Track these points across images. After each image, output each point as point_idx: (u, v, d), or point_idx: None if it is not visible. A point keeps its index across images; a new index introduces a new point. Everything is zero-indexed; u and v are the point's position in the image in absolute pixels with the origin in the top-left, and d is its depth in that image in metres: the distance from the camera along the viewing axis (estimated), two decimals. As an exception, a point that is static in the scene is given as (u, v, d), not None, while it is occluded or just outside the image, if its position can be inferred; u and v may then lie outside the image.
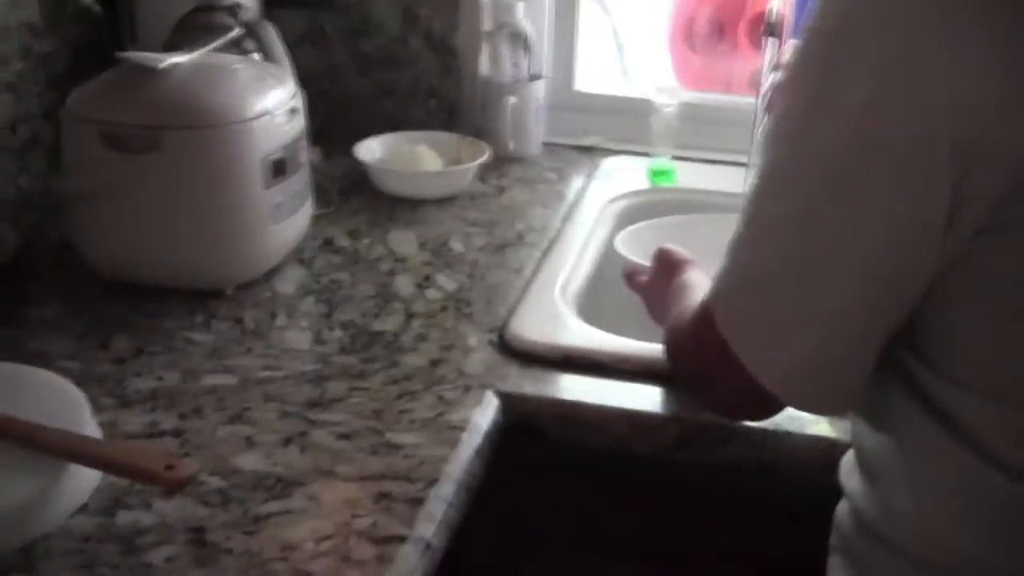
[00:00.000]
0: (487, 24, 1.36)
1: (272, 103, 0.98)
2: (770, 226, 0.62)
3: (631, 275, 1.01)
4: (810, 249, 0.60)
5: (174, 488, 0.68)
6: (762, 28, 1.19)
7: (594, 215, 1.24)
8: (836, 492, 0.71)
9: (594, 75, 1.50)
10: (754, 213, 0.63)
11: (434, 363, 0.91)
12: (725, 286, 0.65)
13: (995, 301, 0.58)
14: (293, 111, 1.01)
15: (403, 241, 1.15)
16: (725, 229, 1.12)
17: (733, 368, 0.63)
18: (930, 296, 0.60)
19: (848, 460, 0.70)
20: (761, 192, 0.62)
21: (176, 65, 0.97)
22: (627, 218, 1.25)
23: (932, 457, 0.61)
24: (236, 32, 1.09)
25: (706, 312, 0.66)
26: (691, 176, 1.35)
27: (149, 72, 0.95)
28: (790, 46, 1.19)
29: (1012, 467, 0.58)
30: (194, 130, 0.93)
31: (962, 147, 0.54)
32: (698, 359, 0.69)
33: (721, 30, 1.58)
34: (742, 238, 0.64)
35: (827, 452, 0.79)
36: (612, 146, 1.44)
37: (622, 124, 1.44)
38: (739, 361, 0.63)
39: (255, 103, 0.96)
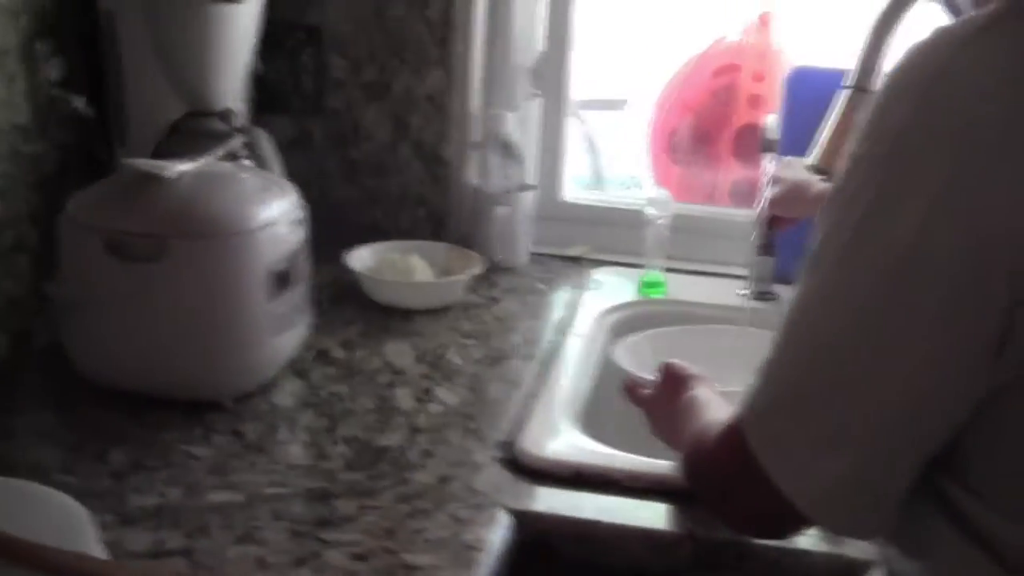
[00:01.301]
0: (476, 134, 1.39)
1: (276, 212, 1.00)
2: (810, 347, 0.62)
3: (632, 388, 1.00)
4: (852, 370, 0.60)
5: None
6: (759, 144, 1.26)
7: (588, 326, 1.26)
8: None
9: (571, 182, 1.54)
10: (792, 334, 0.63)
11: (443, 480, 0.91)
12: (759, 406, 0.65)
13: None
14: (296, 221, 1.03)
15: (399, 353, 1.16)
16: (722, 341, 1.20)
17: (764, 489, 0.64)
18: (974, 421, 0.60)
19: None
20: (801, 313, 0.63)
21: (183, 174, 0.98)
22: (622, 330, 1.27)
23: None
24: (238, 140, 1.11)
25: (735, 432, 0.66)
26: (682, 287, 1.37)
27: (155, 179, 0.97)
28: (782, 160, 1.27)
29: None
30: (200, 240, 0.94)
31: (1018, 279, 0.55)
32: (725, 479, 0.69)
33: (704, 141, 1.64)
34: (779, 358, 0.64)
35: (845, 571, 0.81)
36: (598, 256, 1.46)
37: (608, 234, 1.47)
38: (772, 482, 0.63)
39: (260, 213, 0.98)
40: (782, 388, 0.64)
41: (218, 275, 0.95)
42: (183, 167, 0.99)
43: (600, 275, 1.43)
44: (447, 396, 1.07)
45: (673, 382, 0.92)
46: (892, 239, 0.58)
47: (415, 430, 0.99)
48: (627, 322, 1.30)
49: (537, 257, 1.45)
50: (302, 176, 1.16)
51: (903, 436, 0.61)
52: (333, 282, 1.29)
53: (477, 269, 1.29)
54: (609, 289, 1.38)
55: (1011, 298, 0.56)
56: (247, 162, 1.15)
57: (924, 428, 0.61)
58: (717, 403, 0.83)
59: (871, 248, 0.59)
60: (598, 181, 1.82)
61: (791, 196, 1.22)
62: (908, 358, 0.59)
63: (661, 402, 0.92)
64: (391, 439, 0.98)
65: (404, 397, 1.06)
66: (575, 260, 1.46)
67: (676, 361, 0.95)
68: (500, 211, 1.39)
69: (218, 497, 0.86)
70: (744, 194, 1.53)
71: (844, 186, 0.62)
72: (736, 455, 0.66)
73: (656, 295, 1.37)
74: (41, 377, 1.03)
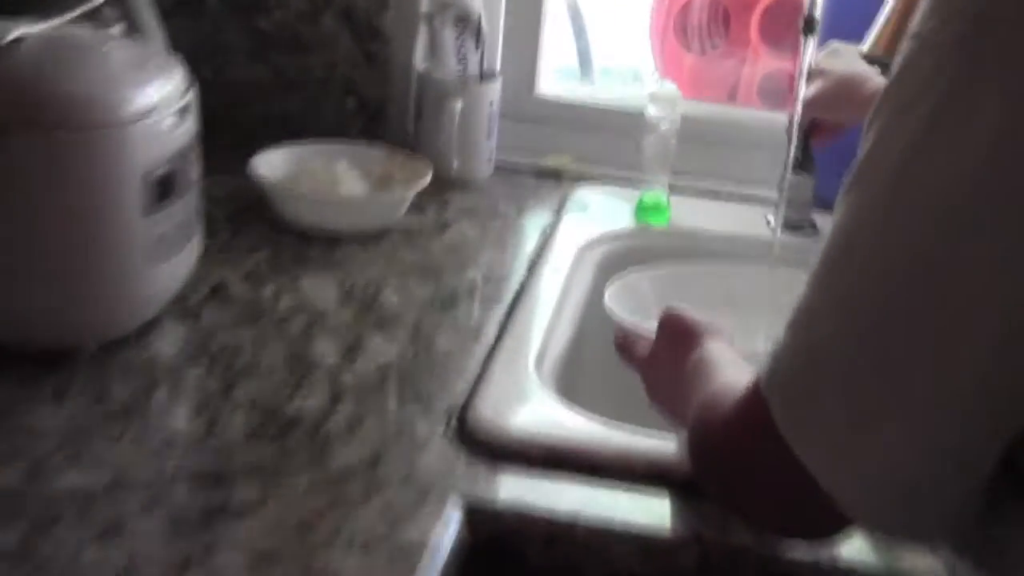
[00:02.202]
0: (425, 2, 1.40)
1: (156, 98, 0.97)
2: (855, 291, 0.63)
3: (626, 344, 1.02)
4: (913, 321, 0.61)
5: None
6: (800, 22, 1.23)
7: (569, 262, 1.27)
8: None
9: (550, 73, 1.54)
10: (831, 275, 0.64)
11: (374, 459, 0.91)
12: (786, 367, 0.66)
13: None
14: (184, 111, 1.01)
15: (320, 290, 1.16)
16: (743, 284, 1.21)
17: (793, 475, 0.64)
18: None
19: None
20: (844, 247, 0.64)
21: (21, 41, 0.95)
22: (611, 267, 1.28)
23: None
24: (101, -5, 1.07)
25: (756, 401, 0.67)
26: (691, 213, 1.39)
27: (-16, 49, 0.94)
28: (827, 47, 1.27)
29: None
30: (49, 133, 0.91)
31: None
32: (741, 463, 0.70)
33: (725, 22, 1.65)
34: (813, 307, 0.65)
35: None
36: (584, 169, 1.48)
37: (597, 141, 1.49)
38: (803, 467, 0.64)
39: (133, 98, 0.95)
40: (816, 345, 0.65)
41: (74, 181, 0.92)
42: (21, 30, 0.95)
43: (586, 194, 1.45)
44: (382, 348, 1.06)
45: (678, 336, 0.93)
46: (971, 145, 0.58)
47: (339, 393, 0.99)
48: (620, 257, 1.31)
49: (504, 169, 1.46)
50: (191, 50, 1.13)
51: (980, 408, 0.61)
52: (232, 195, 1.29)
53: (424, 182, 1.29)
54: (597, 213, 1.39)
55: None
56: (116, 28, 1.11)
57: (1004, 397, 0.61)
58: (735, 364, 0.84)
59: (941, 158, 0.59)
60: (586, 71, 1.83)
61: (838, 94, 1.23)
62: (991, 304, 0.59)
63: (662, 361, 0.94)
64: (307, 404, 0.97)
65: (326, 349, 1.06)
66: (553, 174, 1.48)
67: (682, 308, 0.95)
68: (455, 106, 1.37)
69: (71, 480, 0.84)
70: (776, 92, 1.57)
71: (904, 76, 0.62)
72: (756, 431, 0.67)
73: (658, 222, 1.38)
74: None
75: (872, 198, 0.63)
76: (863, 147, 0.63)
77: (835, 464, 0.63)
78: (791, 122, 1.25)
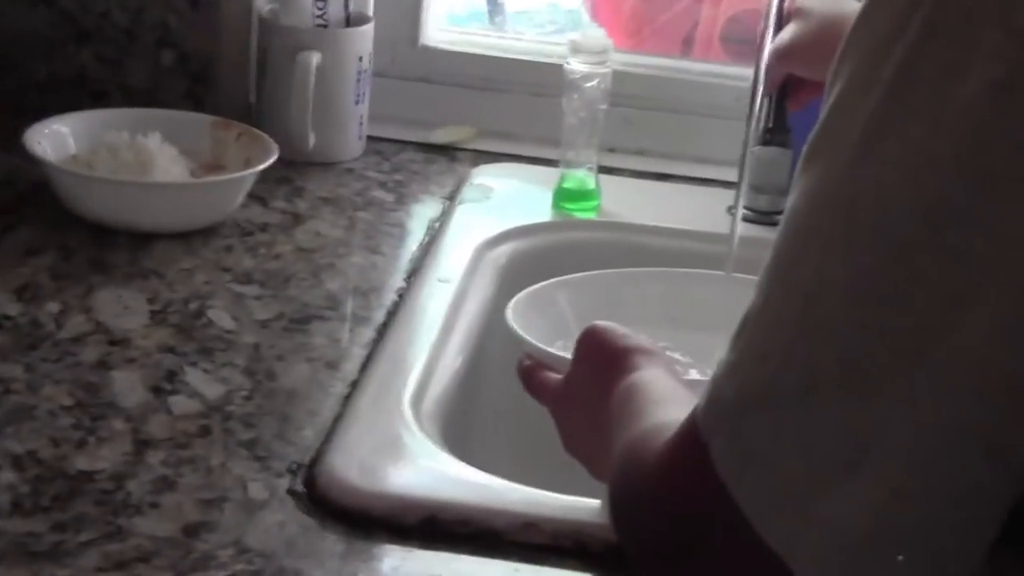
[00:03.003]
0: None
1: None
2: (814, 293, 0.64)
3: (533, 374, 1.03)
4: (893, 323, 0.62)
5: None
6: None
7: (463, 267, 1.27)
8: None
9: (441, 17, 1.55)
10: (786, 273, 0.66)
11: (192, 532, 0.90)
12: (731, 397, 0.67)
13: None
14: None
15: (123, 307, 1.15)
16: (694, 293, 1.21)
17: (739, 536, 0.66)
18: None
19: None
20: (801, 237, 0.66)
21: None
22: (519, 273, 1.28)
23: None
24: None
25: (693, 442, 0.69)
26: (626, 201, 1.40)
27: None
28: None
29: None
30: None
31: None
32: (674, 520, 0.71)
33: None
34: (763, 316, 0.67)
35: None
36: (484, 146, 1.49)
37: (504, 106, 1.50)
38: (750, 524, 0.65)
39: None
40: (771, 367, 0.66)
41: None
42: None
43: (488, 177, 1.44)
44: (206, 384, 1.06)
45: (602, 361, 0.94)
46: (955, 102, 0.60)
47: (145, 443, 0.98)
48: (531, 259, 1.32)
49: (378, 145, 1.47)
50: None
51: (980, 435, 0.63)
52: (5, 179, 1.29)
53: (268, 162, 1.29)
54: (502, 201, 1.40)
55: None
56: None
57: (1013, 424, 0.62)
58: (676, 397, 0.85)
59: (917, 121, 0.61)
60: (493, 14, 1.82)
61: (820, 40, 1.23)
62: (996, 299, 0.61)
63: (580, 395, 0.95)
64: (100, 459, 0.96)
65: (127, 385, 1.05)
66: (445, 151, 1.48)
67: (607, 325, 0.96)
68: (311, 61, 1.37)
69: None
70: (745, 40, 1.55)
71: (873, 10, 0.64)
72: (692, 480, 0.68)
73: (583, 212, 1.38)
74: None
75: (839, 170, 0.64)
76: (824, 107, 0.66)
77: (792, 524, 0.65)
78: (756, 78, 1.25)
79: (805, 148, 0.67)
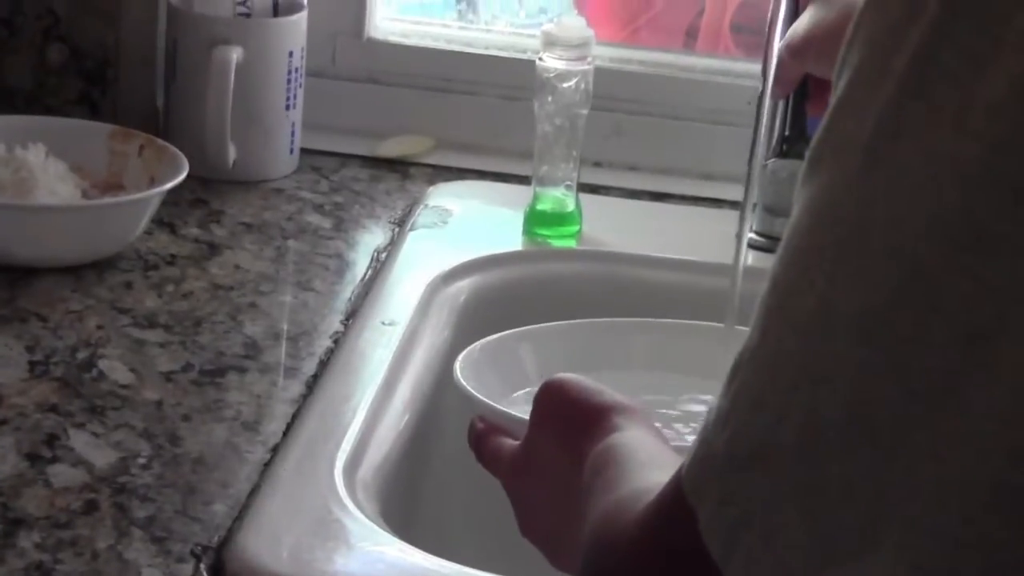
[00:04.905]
0: None
1: None
2: (820, 325, 0.64)
3: (485, 438, 1.00)
4: (901, 370, 0.62)
5: None
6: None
7: (411, 307, 1.25)
8: None
9: (392, 4, 1.58)
10: (785, 302, 0.65)
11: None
12: (723, 455, 0.67)
13: None
14: None
15: None
16: (691, 344, 1.20)
17: None
18: None
19: None
20: (803, 259, 0.65)
21: None
22: (480, 315, 1.28)
23: None
24: None
25: (678, 507, 0.69)
26: (613, 225, 1.39)
27: None
28: None
29: None
30: None
31: None
32: None
33: None
34: (757, 356, 0.66)
35: None
36: (445, 160, 1.48)
37: (465, 113, 1.49)
38: None
39: None
40: (765, 413, 0.66)
41: None
42: None
43: (446, 198, 1.43)
44: (94, 450, 1.04)
45: (570, 422, 0.92)
46: (984, 95, 0.59)
47: (16, 523, 0.96)
48: (495, 297, 1.31)
49: (314, 160, 1.46)
50: None
51: (1018, 511, 0.61)
52: None
53: (176, 180, 1.26)
54: (463, 227, 1.38)
55: None
56: None
57: None
58: (663, 459, 0.84)
59: (943, 116, 0.60)
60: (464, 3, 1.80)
61: (840, 32, 1.22)
62: (1020, 330, 0.60)
63: (541, 462, 0.93)
64: None
65: None
66: (395, 167, 1.47)
67: (574, 378, 0.93)
68: (231, 58, 1.34)
69: None
70: (755, 31, 1.54)
71: (866, 23, 0.65)
72: (676, 551, 0.70)
73: (560, 240, 1.37)
74: None
75: (840, 184, 0.64)
76: (830, 105, 0.66)
77: None
78: (765, 76, 1.22)
79: (807, 155, 0.66)
